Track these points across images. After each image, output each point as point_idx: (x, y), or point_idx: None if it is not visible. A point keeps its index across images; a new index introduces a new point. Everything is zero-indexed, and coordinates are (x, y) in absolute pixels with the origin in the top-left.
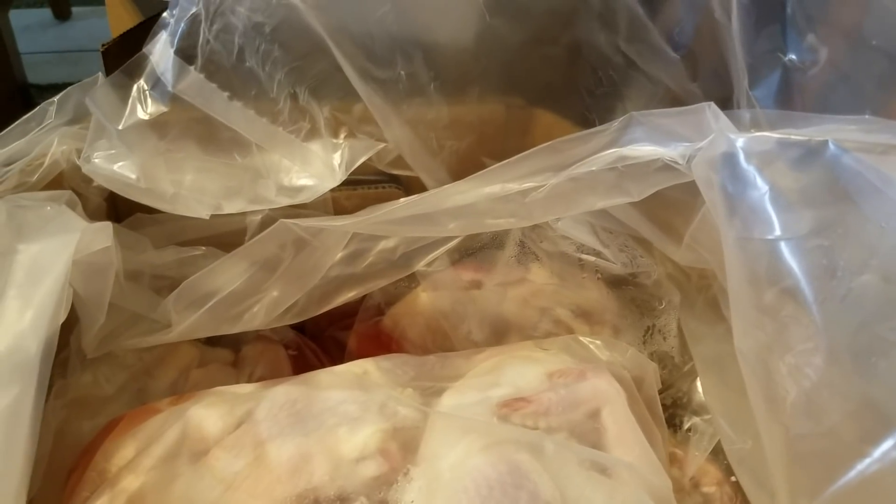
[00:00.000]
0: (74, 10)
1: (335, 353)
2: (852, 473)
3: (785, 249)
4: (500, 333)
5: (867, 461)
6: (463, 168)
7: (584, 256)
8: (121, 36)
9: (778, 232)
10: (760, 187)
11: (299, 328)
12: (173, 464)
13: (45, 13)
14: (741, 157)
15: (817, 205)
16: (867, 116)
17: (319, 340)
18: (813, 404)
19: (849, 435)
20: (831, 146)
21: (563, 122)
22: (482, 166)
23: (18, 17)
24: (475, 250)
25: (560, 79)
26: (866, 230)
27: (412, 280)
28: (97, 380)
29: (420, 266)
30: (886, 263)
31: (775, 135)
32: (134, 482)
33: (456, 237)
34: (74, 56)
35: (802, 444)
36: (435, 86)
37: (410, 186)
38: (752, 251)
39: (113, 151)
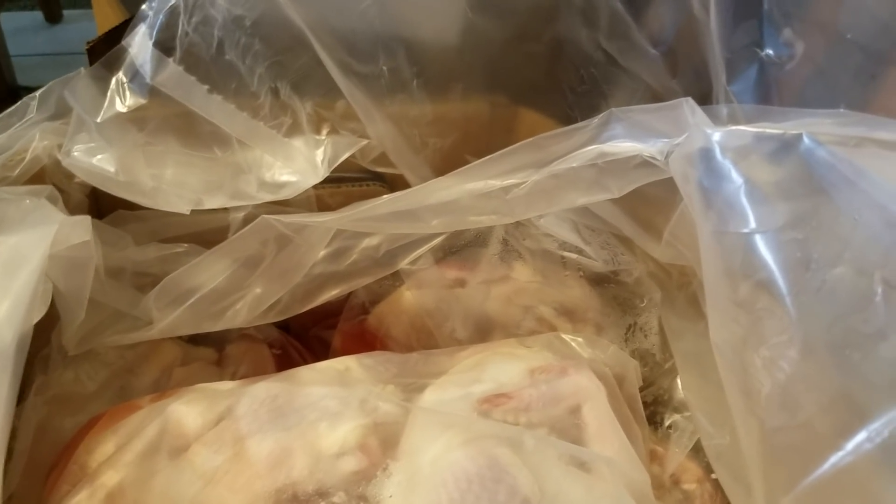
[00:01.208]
0: (65, 13)
1: (320, 353)
2: (826, 466)
3: (760, 242)
4: (484, 331)
5: (841, 454)
6: (447, 166)
7: (567, 254)
8: (106, 34)
9: (753, 225)
10: (736, 181)
11: (284, 327)
12: (153, 459)
13: (37, 16)
14: (717, 151)
15: (792, 198)
16: (842, 110)
17: (304, 339)
18: (788, 397)
19: (823, 427)
20: (806, 139)
21: (547, 120)
22: (466, 164)
23: (9, 20)
24: (459, 248)
25: (543, 76)
26: (840, 223)
27: (396, 278)
28: (79, 377)
29: (404, 264)
30: (860, 256)
31: (751, 129)
32: (114, 477)
33: (439, 235)
34: (65, 59)
35: (778, 438)
36: (418, 82)
37: (395, 184)
38: (728, 244)
39: (92, 144)
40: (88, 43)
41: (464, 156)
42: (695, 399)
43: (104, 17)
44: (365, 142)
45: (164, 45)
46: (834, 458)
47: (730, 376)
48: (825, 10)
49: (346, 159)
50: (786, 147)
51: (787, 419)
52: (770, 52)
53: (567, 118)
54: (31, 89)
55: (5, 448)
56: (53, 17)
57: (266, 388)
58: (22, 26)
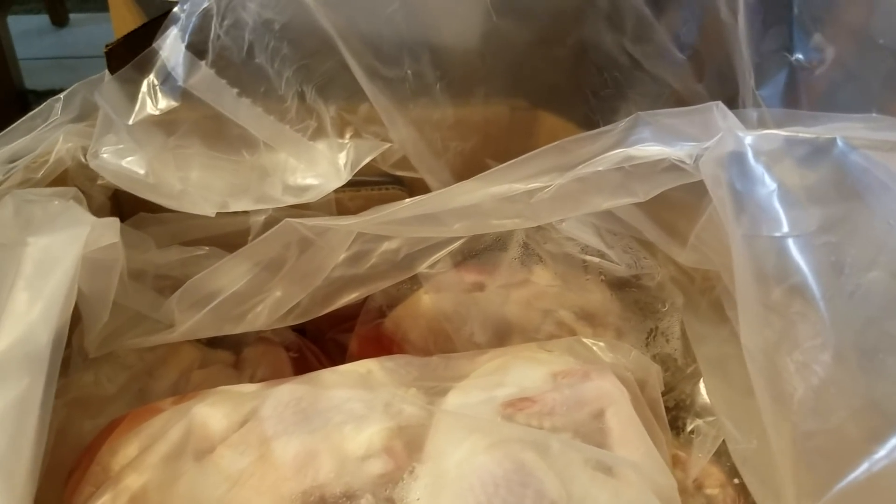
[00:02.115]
0: (72, 16)
1: (336, 356)
2: (859, 471)
3: (793, 246)
4: (503, 335)
5: (874, 459)
6: (467, 169)
7: (588, 258)
8: (125, 37)
9: (786, 229)
10: (769, 185)
11: (300, 330)
12: (177, 462)
13: (43, 19)
14: (749, 155)
15: (825, 202)
16: (874, 114)
17: (321, 343)
18: (820, 401)
19: (856, 432)
20: (839, 143)
21: (567, 123)
22: (486, 168)
23: (16, 23)
24: (478, 252)
25: (565, 80)
26: (874, 227)
27: (414, 282)
28: (99, 379)
29: (423, 268)
30: (894, 260)
31: (783, 133)
32: (137, 480)
33: (459, 238)
34: (72, 62)
35: (809, 442)
36: (441, 86)
37: (414, 188)
38: (760, 248)
39: (121, 146)
40: (107, 45)
41: (484, 159)
42: (720, 404)
43: (121, 20)
44: (387, 145)
45: (197, 48)
46: (866, 464)
47: (761, 380)
48: (856, 14)
49: (367, 163)
50: (819, 151)
51: (819, 423)
52: (800, 56)
53: (588, 122)
54: (37, 92)
55: (42, 449)
56: (60, 21)
57: (290, 391)
58: (28, 29)
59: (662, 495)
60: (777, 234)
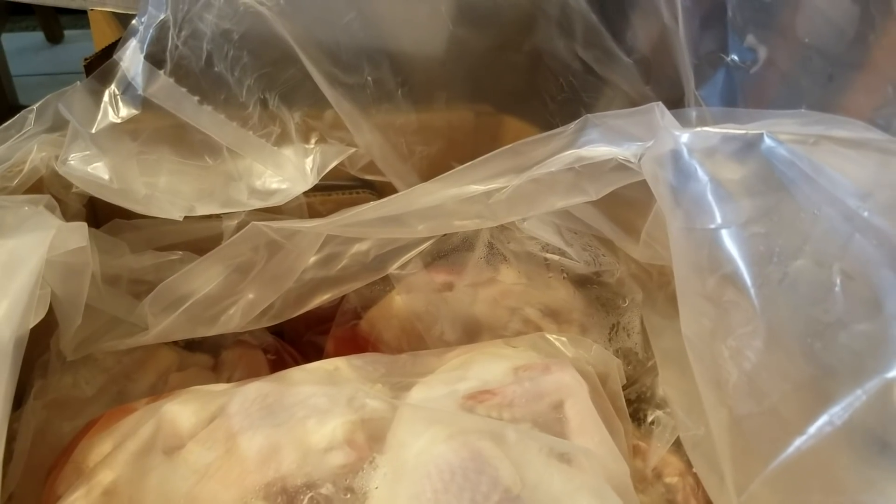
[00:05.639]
0: (66, 33)
1: (313, 357)
2: (791, 449)
3: (725, 237)
4: (472, 333)
5: (804, 437)
6: (434, 173)
7: (549, 256)
8: (103, 50)
9: (718, 221)
10: (702, 180)
11: (278, 333)
12: (148, 457)
13: (38, 36)
14: (685, 152)
15: (755, 194)
16: (803, 110)
17: (298, 345)
18: (754, 385)
19: (788, 413)
20: (767, 139)
21: (530, 127)
22: None
23: (11, 40)
24: (446, 252)
25: (524, 85)
26: (800, 217)
27: (387, 283)
28: (77, 382)
29: (393, 269)
30: (819, 248)
31: (716, 130)
32: (109, 475)
33: (427, 239)
34: (66, 78)
35: (745, 424)
36: (403, 92)
37: (384, 191)
38: (695, 240)
39: (87, 153)
40: (86, 59)
41: (450, 163)
42: (673, 393)
43: (102, 36)
44: (353, 150)
45: (155, 58)
46: (798, 442)
47: (700, 368)
48: (785, 16)
49: (336, 168)
50: (748, 146)
51: (753, 406)
52: (735, 57)
53: (549, 125)
54: None
55: (2, 445)
56: (54, 38)
57: (257, 388)
58: (23, 46)
59: (615, 481)
60: (710, 226)
